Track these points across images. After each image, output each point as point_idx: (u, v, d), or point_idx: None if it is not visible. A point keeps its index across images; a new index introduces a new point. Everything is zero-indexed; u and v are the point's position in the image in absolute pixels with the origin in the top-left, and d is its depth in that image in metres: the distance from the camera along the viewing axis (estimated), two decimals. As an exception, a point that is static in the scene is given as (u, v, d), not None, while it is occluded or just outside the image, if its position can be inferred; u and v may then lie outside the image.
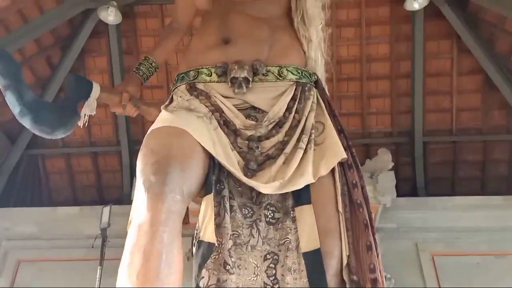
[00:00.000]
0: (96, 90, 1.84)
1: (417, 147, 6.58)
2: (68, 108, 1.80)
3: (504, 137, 6.58)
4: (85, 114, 1.86)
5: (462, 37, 6.12)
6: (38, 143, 6.80)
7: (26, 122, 1.69)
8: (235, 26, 1.72)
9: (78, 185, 7.13)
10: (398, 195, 5.95)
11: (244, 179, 1.52)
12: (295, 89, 1.67)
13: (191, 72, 1.69)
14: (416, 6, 5.74)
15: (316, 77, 1.80)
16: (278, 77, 1.65)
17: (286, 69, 1.66)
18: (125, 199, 6.48)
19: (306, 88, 1.71)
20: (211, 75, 1.64)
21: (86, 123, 1.88)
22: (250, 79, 1.60)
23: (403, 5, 5.88)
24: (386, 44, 6.58)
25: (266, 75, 1.63)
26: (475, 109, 6.64)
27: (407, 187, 6.57)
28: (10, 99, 1.66)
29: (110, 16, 5.85)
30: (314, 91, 1.73)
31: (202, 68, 1.66)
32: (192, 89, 1.66)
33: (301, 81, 1.69)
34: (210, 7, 1.89)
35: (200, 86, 1.66)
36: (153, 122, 1.63)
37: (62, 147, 6.93)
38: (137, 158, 1.49)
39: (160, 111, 1.67)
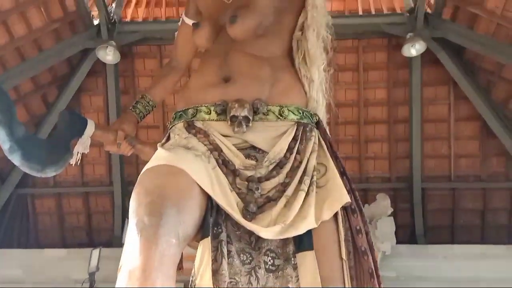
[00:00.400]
0: (90, 127, 1.78)
1: (415, 193, 6.49)
2: (61, 145, 1.75)
3: (503, 185, 6.50)
4: (78, 152, 1.80)
5: (459, 84, 6.17)
6: (28, 182, 6.66)
7: (15, 159, 1.62)
8: (235, 64, 1.68)
9: (67, 226, 6.94)
10: (397, 242, 5.81)
11: (243, 222, 1.43)
12: (296, 130, 1.61)
13: (189, 110, 1.63)
14: (413, 52, 5.80)
15: (317, 118, 1.74)
16: (279, 116, 1.60)
17: (287, 109, 1.61)
18: (116, 242, 6.27)
19: (308, 129, 1.65)
20: (210, 113, 1.58)
21: (79, 162, 1.81)
22: (251, 118, 1.54)
23: (400, 51, 5.96)
24: (383, 89, 6.62)
25: (267, 115, 1.58)
26: (474, 155, 6.61)
27: (405, 234, 6.43)
28: (0, 135, 1.59)
29: (109, 55, 5.87)
30: (315, 132, 1.67)
31: (201, 106, 1.61)
32: (190, 127, 1.60)
33: (302, 121, 1.63)
34: (211, 46, 1.85)
35: (199, 124, 1.59)
36: (148, 161, 1.56)
37: (53, 187, 6.78)
38: (131, 198, 1.39)
39: (156, 150, 1.59)
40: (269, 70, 1.69)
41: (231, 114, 1.53)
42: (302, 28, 1.76)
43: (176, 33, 2.07)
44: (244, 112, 1.53)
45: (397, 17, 6.18)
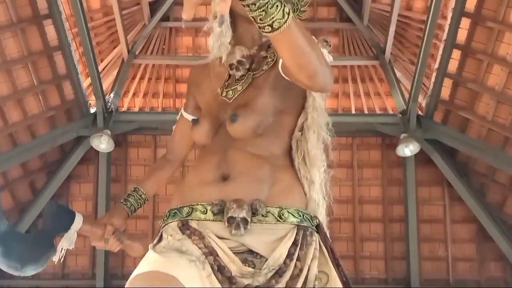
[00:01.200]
0: (78, 222, 1.67)
1: (414, 297, 6.20)
2: (45, 241, 1.62)
3: (503, 291, 6.27)
4: (62, 248, 1.66)
5: (453, 185, 6.15)
6: (5, 274, 6.26)
7: None
8: (234, 163, 1.62)
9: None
10: None
11: None
12: (296, 233, 1.50)
13: (184, 208, 1.54)
14: (407, 153, 5.86)
15: (317, 221, 1.65)
16: (279, 219, 1.51)
17: (287, 211, 1.52)
18: None
19: (308, 233, 1.55)
20: (206, 213, 1.50)
21: (62, 258, 1.66)
22: (249, 220, 1.45)
23: (394, 149, 6.01)
24: (378, 187, 6.60)
25: (266, 216, 1.49)
26: (471, 259, 6.45)
27: None
28: None
29: (103, 144, 5.82)
30: (316, 237, 1.57)
31: (197, 204, 1.52)
32: (184, 227, 1.50)
33: (302, 224, 1.54)
34: (209, 143, 1.79)
35: (194, 224, 1.50)
36: (135, 257, 1.44)
37: (30, 279, 6.39)
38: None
39: (145, 246, 1.52)
40: (268, 169, 1.63)
41: (229, 215, 1.45)
42: (302, 128, 1.73)
43: (174, 127, 2.04)
44: (243, 214, 1.44)
45: (390, 117, 6.31)
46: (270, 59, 1.69)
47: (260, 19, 1.08)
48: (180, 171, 6.36)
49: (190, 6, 1.07)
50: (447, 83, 5.91)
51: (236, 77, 1.71)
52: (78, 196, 6.62)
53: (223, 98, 1.71)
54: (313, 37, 1.64)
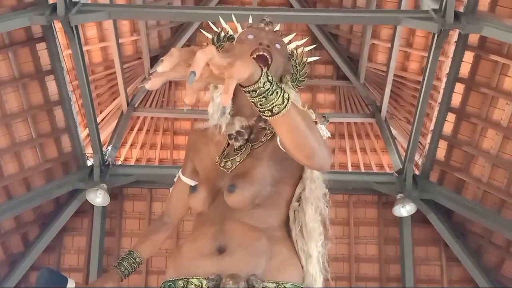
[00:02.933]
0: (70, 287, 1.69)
1: None
2: None
3: None
4: None
5: (450, 246, 6.13)
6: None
7: None
8: (232, 235, 1.61)
9: None
10: None
11: None
12: None
13: (179, 281, 1.53)
14: (404, 213, 5.86)
15: None
16: None
17: (284, 287, 1.52)
18: None
19: None
20: (201, 287, 1.48)
21: None
22: None
23: (390, 208, 6.00)
24: (374, 245, 6.56)
25: None
26: (473, 324, 6.31)
27: None
28: None
29: (98, 198, 5.80)
30: None
31: (193, 278, 1.51)
32: None
33: None
34: (206, 210, 1.79)
35: None
36: None
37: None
38: None
39: None
40: (265, 243, 1.62)
41: None
42: (299, 198, 1.73)
43: (170, 188, 2.03)
44: None
45: (386, 176, 6.35)
46: (268, 131, 1.72)
47: (260, 104, 1.10)
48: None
49: (192, 91, 1.08)
50: (443, 145, 5.99)
51: (235, 147, 1.74)
52: (71, 249, 6.54)
53: (222, 168, 1.72)
54: (311, 111, 1.67)
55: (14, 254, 6.29)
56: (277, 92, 1.11)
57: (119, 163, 6.92)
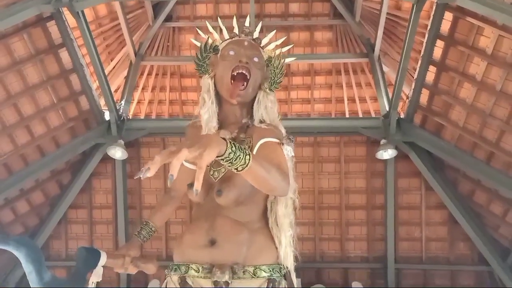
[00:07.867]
0: (103, 259, 1.98)
1: (389, 273, 7.18)
2: (79, 280, 1.96)
3: (469, 268, 7.19)
4: (92, 282, 2.02)
5: (428, 180, 6.87)
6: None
7: None
8: (220, 230, 1.96)
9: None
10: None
11: None
12: (268, 283, 1.95)
13: (182, 267, 1.99)
14: (386, 156, 6.55)
15: (286, 269, 2.07)
16: (253, 275, 1.92)
17: (260, 269, 1.95)
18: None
19: (277, 283, 2.00)
20: (199, 272, 1.92)
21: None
22: (230, 282, 1.88)
23: (377, 146, 6.63)
24: (362, 179, 7.33)
25: (244, 274, 1.91)
26: (443, 239, 7.30)
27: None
28: (33, 280, 1.89)
29: (118, 153, 6.61)
30: (283, 283, 2.02)
31: (192, 264, 1.96)
32: (183, 282, 1.97)
33: (272, 277, 1.98)
34: (202, 201, 2.44)
35: (189, 281, 1.96)
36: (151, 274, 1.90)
37: None
38: None
39: (156, 266, 2.04)
40: (247, 234, 1.99)
41: (214, 279, 1.90)
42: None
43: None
44: (225, 278, 1.88)
45: (373, 121, 6.90)
46: (247, 145, 1.99)
47: (229, 165, 1.42)
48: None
49: (155, 166, 1.27)
50: (425, 92, 6.45)
51: None
52: (100, 190, 7.52)
53: (210, 176, 2.03)
54: (281, 146, 1.93)
55: (53, 197, 7.36)
56: (239, 157, 1.40)
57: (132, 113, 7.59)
